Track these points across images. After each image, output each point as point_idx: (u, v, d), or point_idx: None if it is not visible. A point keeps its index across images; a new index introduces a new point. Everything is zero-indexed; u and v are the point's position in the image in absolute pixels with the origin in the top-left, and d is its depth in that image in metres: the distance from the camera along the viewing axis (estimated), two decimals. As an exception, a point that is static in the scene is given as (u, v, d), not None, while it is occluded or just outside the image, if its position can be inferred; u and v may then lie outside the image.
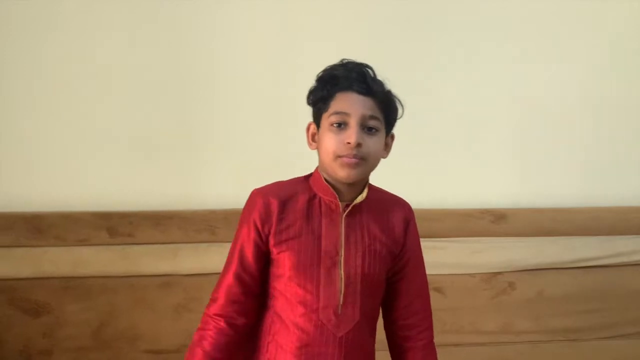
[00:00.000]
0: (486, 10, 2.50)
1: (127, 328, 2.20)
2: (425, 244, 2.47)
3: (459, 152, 2.55)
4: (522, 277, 2.46)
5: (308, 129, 1.25)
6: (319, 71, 1.23)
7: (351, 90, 1.16)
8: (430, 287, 2.51)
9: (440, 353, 2.32)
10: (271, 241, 1.21)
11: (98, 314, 2.19)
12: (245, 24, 2.35)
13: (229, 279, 1.24)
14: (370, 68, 1.20)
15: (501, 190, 2.59)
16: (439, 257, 2.41)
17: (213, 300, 1.27)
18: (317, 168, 1.26)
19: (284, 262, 1.21)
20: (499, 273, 2.46)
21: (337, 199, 1.22)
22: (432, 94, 2.47)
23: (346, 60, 1.21)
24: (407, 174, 2.49)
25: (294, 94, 2.36)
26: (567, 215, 2.54)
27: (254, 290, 1.25)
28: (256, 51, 2.37)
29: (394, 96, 1.22)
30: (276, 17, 2.37)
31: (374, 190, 1.29)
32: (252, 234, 1.22)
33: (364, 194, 1.23)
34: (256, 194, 1.25)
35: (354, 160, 1.15)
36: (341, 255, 1.22)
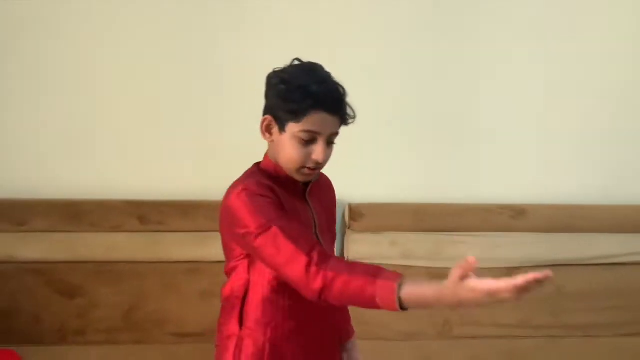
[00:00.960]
0: (507, 8, 2.46)
1: (155, 311, 2.24)
2: (445, 238, 2.49)
3: (480, 149, 2.51)
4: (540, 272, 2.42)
5: (264, 121, 1.24)
6: (287, 71, 1.20)
7: (324, 111, 1.16)
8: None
9: (459, 345, 2.33)
10: None
11: (128, 297, 2.23)
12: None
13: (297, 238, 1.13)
14: (340, 85, 1.20)
15: (521, 186, 2.54)
16: (459, 251, 2.38)
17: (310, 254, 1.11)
18: (266, 158, 1.28)
19: None
20: (518, 268, 2.40)
21: (299, 184, 1.27)
22: (454, 92, 2.43)
23: (319, 70, 1.20)
24: (428, 171, 2.49)
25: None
26: (587, 212, 2.47)
27: None
28: (279, 50, 2.37)
29: (353, 110, 1.22)
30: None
31: None
32: (273, 200, 1.17)
33: (317, 176, 1.31)
34: (248, 186, 1.19)
35: (315, 171, 1.22)
36: (315, 226, 1.30)
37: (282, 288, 1.24)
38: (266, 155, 1.28)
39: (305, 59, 1.24)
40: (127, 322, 2.23)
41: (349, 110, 1.21)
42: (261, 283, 1.26)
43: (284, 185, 1.24)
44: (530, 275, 0.94)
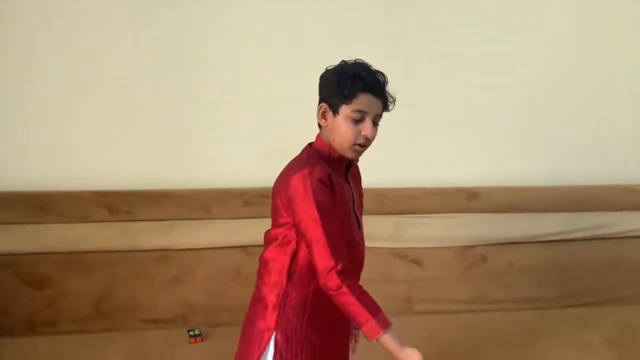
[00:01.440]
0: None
1: (126, 299, 2.23)
2: (405, 220, 2.56)
3: (437, 136, 2.59)
4: (493, 250, 2.51)
5: (320, 108, 1.41)
6: (340, 65, 1.39)
7: (371, 93, 1.36)
8: (409, 259, 2.59)
9: (418, 320, 2.39)
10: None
11: (98, 286, 2.21)
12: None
13: (332, 245, 1.31)
14: (385, 75, 1.40)
15: (474, 170, 2.63)
16: (418, 232, 2.46)
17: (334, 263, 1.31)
18: (320, 140, 1.43)
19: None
20: (472, 246, 2.51)
21: (346, 160, 1.44)
22: (414, 81, 2.49)
23: (361, 61, 1.40)
24: (389, 157, 2.55)
25: (285, 84, 2.43)
26: (534, 194, 2.59)
27: None
28: (251, 41, 2.38)
29: (394, 97, 1.43)
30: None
31: None
32: (331, 199, 1.34)
33: (356, 160, 1.49)
34: (311, 171, 1.33)
35: (364, 148, 1.40)
36: (354, 203, 1.47)
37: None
38: (319, 138, 1.44)
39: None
40: (97, 311, 2.21)
41: (389, 94, 1.40)
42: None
43: (333, 166, 1.41)
44: None
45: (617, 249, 2.60)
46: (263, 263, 1.49)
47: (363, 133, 1.36)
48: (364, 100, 1.36)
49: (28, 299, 2.17)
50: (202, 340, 2.12)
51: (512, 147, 2.66)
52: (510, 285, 2.51)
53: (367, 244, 2.41)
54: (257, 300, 1.48)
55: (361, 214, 1.53)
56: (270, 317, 1.43)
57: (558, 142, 2.71)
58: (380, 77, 1.39)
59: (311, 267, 1.38)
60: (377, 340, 1.26)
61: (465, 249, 2.51)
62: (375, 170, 2.53)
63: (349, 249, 1.40)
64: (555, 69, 2.64)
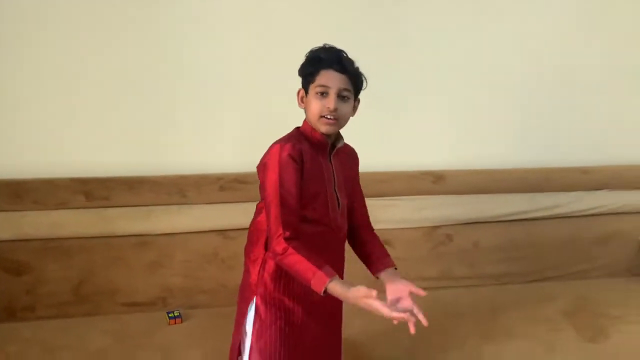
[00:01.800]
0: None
1: (105, 283, 2.23)
2: (375, 203, 2.60)
3: (403, 120, 2.64)
4: (459, 229, 2.59)
5: (298, 93, 1.54)
6: (308, 52, 1.50)
7: (331, 69, 1.47)
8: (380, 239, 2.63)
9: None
10: (303, 180, 1.47)
11: (77, 271, 2.21)
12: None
13: (285, 214, 1.43)
14: (345, 52, 1.50)
15: (440, 154, 2.70)
16: (388, 213, 2.52)
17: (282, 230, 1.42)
18: (304, 123, 1.55)
19: (307, 189, 1.48)
20: (439, 227, 2.58)
21: (328, 142, 1.54)
22: (383, 67, 2.53)
23: (328, 45, 1.51)
24: (361, 141, 2.59)
25: (263, 71, 2.44)
26: (498, 175, 2.67)
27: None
28: (229, 28, 2.39)
29: (361, 73, 1.53)
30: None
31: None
32: (296, 174, 1.44)
33: (342, 143, 1.60)
34: (283, 145, 1.45)
35: (331, 120, 1.48)
36: (335, 182, 1.56)
37: (301, 219, 1.48)
38: (304, 121, 1.55)
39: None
40: (77, 296, 2.21)
41: (354, 68, 1.49)
42: None
43: (315, 146, 1.52)
44: (406, 315, 1.32)
45: (573, 227, 2.71)
46: (248, 235, 1.61)
47: (327, 105, 1.46)
48: (325, 76, 1.47)
49: (7, 286, 2.15)
50: (181, 322, 2.14)
51: (476, 133, 2.74)
52: (475, 263, 2.60)
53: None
54: (245, 269, 1.59)
55: (345, 195, 1.61)
56: (252, 284, 1.54)
57: (518, 127, 2.79)
58: (341, 55, 1.49)
59: None
60: (325, 291, 1.34)
61: (432, 230, 2.59)
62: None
63: (323, 225, 1.52)
64: (517, 55, 2.72)
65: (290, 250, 1.39)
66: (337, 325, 1.69)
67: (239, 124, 2.43)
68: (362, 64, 1.52)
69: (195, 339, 2.02)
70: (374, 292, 1.29)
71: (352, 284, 1.34)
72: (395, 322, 1.33)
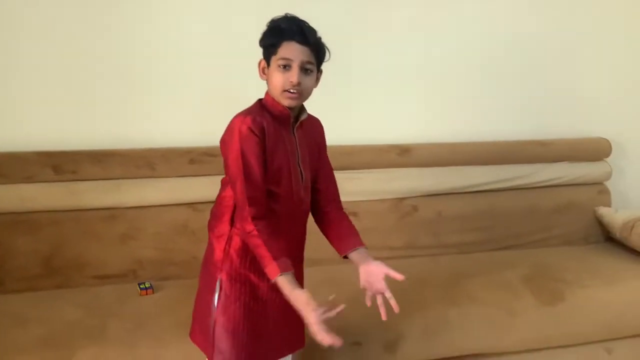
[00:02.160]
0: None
1: (75, 257, 2.20)
2: (343, 175, 2.61)
3: (370, 94, 2.66)
4: (423, 201, 2.63)
5: (259, 64, 1.48)
6: (269, 21, 1.44)
7: (293, 41, 1.41)
8: (347, 211, 2.66)
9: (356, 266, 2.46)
10: (266, 155, 1.44)
11: (47, 245, 2.18)
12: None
13: (250, 189, 1.41)
14: (307, 23, 1.44)
15: (406, 128, 2.72)
16: (355, 186, 2.54)
17: (251, 200, 1.41)
18: (267, 95, 1.49)
19: (270, 164, 1.45)
20: (405, 198, 2.62)
21: (290, 115, 1.49)
22: (348, 41, 2.51)
23: (289, 15, 1.44)
24: (328, 114, 2.60)
25: (227, 39, 2.41)
26: (461, 148, 2.71)
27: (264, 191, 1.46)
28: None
29: (324, 44, 1.48)
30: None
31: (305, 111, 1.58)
32: (257, 147, 1.41)
33: (305, 115, 1.55)
34: (243, 119, 1.41)
35: (295, 94, 1.43)
36: (298, 156, 1.53)
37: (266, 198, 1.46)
38: (266, 93, 1.49)
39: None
40: (47, 269, 2.18)
41: (317, 40, 1.44)
42: None
43: (278, 119, 1.47)
44: (332, 341, 1.37)
45: (533, 198, 2.77)
46: (212, 210, 1.57)
47: (290, 79, 1.40)
48: (287, 49, 1.41)
49: (-26, 260, 2.12)
50: (153, 293, 2.13)
51: (440, 107, 2.77)
52: (439, 233, 2.64)
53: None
54: (209, 245, 1.57)
55: (308, 169, 1.58)
56: (217, 261, 1.52)
57: (480, 102, 2.83)
58: (303, 25, 1.43)
59: None
60: (275, 281, 1.39)
61: (398, 201, 2.62)
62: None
63: (286, 199, 1.50)
64: (478, 31, 2.75)
65: (255, 232, 1.40)
66: None
67: (206, 97, 2.41)
68: (328, 37, 1.50)
69: (166, 309, 2.02)
70: (312, 304, 1.34)
71: (297, 286, 1.39)
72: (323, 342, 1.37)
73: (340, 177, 2.54)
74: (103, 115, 2.32)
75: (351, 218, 2.48)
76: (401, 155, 2.63)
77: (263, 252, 1.40)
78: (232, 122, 1.44)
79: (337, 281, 2.25)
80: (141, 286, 2.14)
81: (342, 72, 2.57)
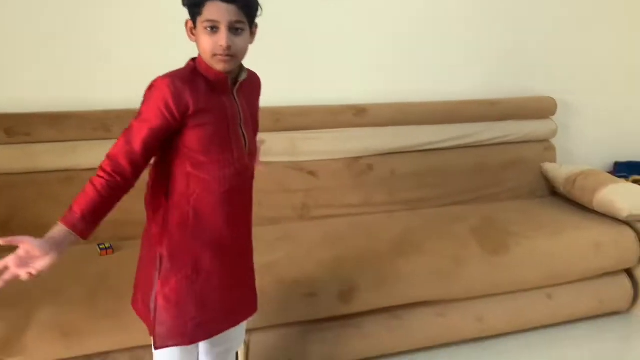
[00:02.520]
0: None
1: (33, 219, 2.17)
2: (299, 135, 2.65)
3: (324, 56, 2.67)
4: (378, 160, 2.67)
5: (186, 25, 1.35)
6: None
7: (218, 0, 1.27)
8: (305, 171, 2.71)
9: (315, 224, 2.52)
10: (188, 120, 1.32)
11: (3, 208, 2.15)
12: None
13: (132, 145, 1.31)
14: None
15: (361, 88, 2.74)
16: (312, 146, 2.57)
17: (111, 159, 1.33)
18: (199, 57, 1.36)
19: (204, 134, 1.35)
20: (360, 157, 2.66)
21: (228, 78, 1.38)
22: (298, 3, 2.52)
23: None
24: (282, 74, 2.59)
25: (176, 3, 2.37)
26: (413, 109, 2.75)
27: (149, 157, 1.35)
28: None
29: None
30: None
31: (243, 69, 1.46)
32: (165, 113, 1.29)
33: (245, 75, 1.43)
34: (163, 80, 1.30)
35: (227, 58, 1.31)
36: (241, 120, 1.44)
37: (201, 165, 1.37)
38: (199, 56, 1.36)
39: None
40: (4, 232, 2.11)
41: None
42: (182, 161, 1.38)
43: (212, 83, 1.35)
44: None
45: (482, 155, 2.84)
46: (147, 183, 1.47)
47: (219, 43, 1.29)
48: (212, 9, 1.28)
49: None
50: (112, 252, 2.14)
51: (393, 68, 2.79)
52: (393, 190, 2.69)
53: (265, 159, 2.49)
54: (147, 218, 1.48)
55: (250, 131, 1.49)
56: (156, 234, 1.44)
57: (431, 63, 2.86)
58: None
59: (189, 185, 1.38)
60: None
61: (354, 160, 2.66)
62: (270, 89, 2.59)
63: (227, 167, 1.41)
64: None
65: (93, 178, 1.31)
66: (247, 263, 1.63)
67: (159, 60, 2.33)
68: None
69: (126, 268, 1.99)
70: (36, 248, 1.27)
71: (54, 233, 1.30)
72: None
73: (296, 137, 2.60)
74: (57, 78, 2.27)
75: (309, 177, 2.58)
76: (357, 116, 2.65)
77: (80, 196, 1.31)
78: (153, 81, 1.31)
79: (292, 238, 2.30)
80: (101, 247, 2.15)
81: (296, 34, 2.57)
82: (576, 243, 2.41)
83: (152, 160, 1.42)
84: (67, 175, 2.22)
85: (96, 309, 1.82)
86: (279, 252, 2.17)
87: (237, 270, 1.56)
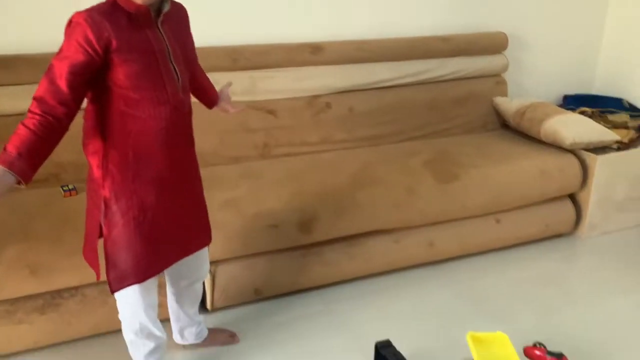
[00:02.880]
0: None
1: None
2: (257, 74, 2.64)
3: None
4: (336, 98, 2.70)
5: None
6: None
7: None
8: (264, 110, 2.72)
9: (276, 162, 2.55)
10: (112, 55, 1.29)
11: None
12: None
13: (57, 83, 1.27)
14: None
15: (318, 26, 2.73)
16: (270, 85, 2.57)
17: (38, 100, 1.29)
18: None
19: (132, 70, 1.32)
20: (319, 96, 2.68)
21: (150, 11, 1.35)
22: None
23: None
24: (239, 13, 2.56)
25: None
26: (370, 46, 2.75)
27: (77, 95, 1.32)
28: None
29: None
30: None
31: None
32: (85, 47, 1.26)
33: (168, 6, 1.39)
34: (80, 15, 1.27)
35: None
36: (169, 53, 1.41)
37: (134, 103, 1.35)
38: None
39: None
40: (-35, 177, 2.14)
41: None
42: (115, 100, 1.36)
43: (134, 16, 1.31)
44: None
45: (436, 91, 2.89)
46: (83, 127, 1.45)
47: None
48: None
49: None
50: (76, 194, 2.15)
51: (348, 5, 2.77)
52: (351, 128, 2.73)
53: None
54: (89, 163, 1.46)
55: (182, 65, 1.46)
56: (98, 178, 1.42)
57: (384, 0, 2.83)
58: None
59: (125, 124, 1.37)
60: None
61: (313, 98, 2.68)
62: (227, 28, 2.57)
63: (160, 103, 1.38)
64: None
65: (24, 120, 1.28)
66: (195, 198, 1.62)
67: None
68: None
69: None
70: None
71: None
72: None
73: (254, 75, 2.60)
74: (9, 20, 2.20)
75: (269, 116, 2.60)
76: (313, 54, 2.65)
77: (12, 137, 1.27)
78: (71, 16, 1.28)
79: (254, 175, 2.34)
80: (64, 188, 2.16)
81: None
82: (523, 171, 2.53)
83: (86, 103, 1.39)
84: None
85: (63, 247, 1.85)
86: (241, 189, 2.21)
87: (184, 206, 1.56)
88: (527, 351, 1.73)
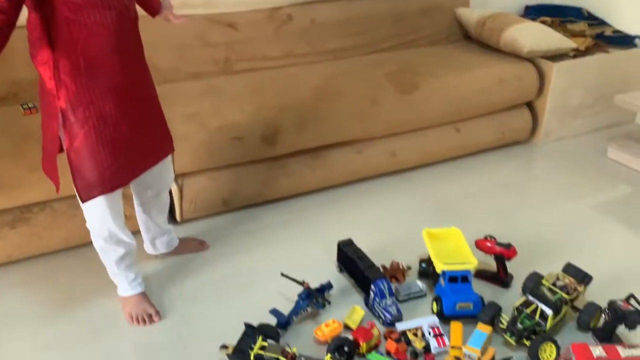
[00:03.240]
0: None
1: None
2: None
3: None
4: (297, 9, 2.64)
5: None
6: None
7: None
8: (224, 23, 2.64)
9: (238, 77, 2.52)
10: None
11: None
12: None
13: None
14: None
15: None
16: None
17: None
18: None
19: None
20: (280, 8, 2.61)
21: None
22: None
23: None
24: None
25: None
26: (331, -46, 2.67)
27: (18, 3, 1.30)
28: None
29: None
30: None
31: None
32: None
33: None
34: None
35: None
36: None
37: (78, 8, 1.32)
38: None
39: None
40: None
41: None
42: (58, 6, 1.32)
43: None
44: None
45: (400, 3, 2.83)
46: (27, 36, 1.41)
47: None
48: None
49: None
50: (37, 112, 2.11)
51: None
52: (314, 41, 2.68)
53: (181, 11, 2.41)
54: (39, 75, 1.43)
55: None
56: (52, 89, 1.40)
57: None
58: None
59: (72, 31, 1.34)
60: None
61: (274, 11, 2.61)
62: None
63: (105, 8, 1.35)
64: None
65: None
66: (153, 108, 1.62)
67: None
68: None
69: None
70: None
71: None
72: None
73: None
74: None
75: (229, 30, 2.54)
76: (273, -36, 2.57)
77: None
78: None
79: (216, 90, 2.32)
80: (24, 107, 2.12)
81: None
82: (481, 79, 2.55)
83: (27, 14, 1.36)
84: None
85: (25, 162, 1.84)
86: (203, 104, 2.20)
87: (144, 114, 1.57)
88: (478, 243, 1.83)
